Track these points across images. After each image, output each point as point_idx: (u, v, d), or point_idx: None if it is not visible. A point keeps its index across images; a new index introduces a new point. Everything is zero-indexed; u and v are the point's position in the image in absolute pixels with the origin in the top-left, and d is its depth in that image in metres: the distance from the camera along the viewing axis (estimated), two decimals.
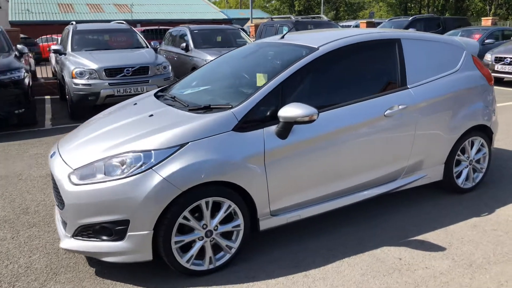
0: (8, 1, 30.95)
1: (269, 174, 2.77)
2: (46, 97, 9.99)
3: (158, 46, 9.16)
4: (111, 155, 2.59)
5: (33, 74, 10.47)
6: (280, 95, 2.86)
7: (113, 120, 3.11)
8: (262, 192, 2.77)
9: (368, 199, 3.32)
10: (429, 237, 3.15)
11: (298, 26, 10.20)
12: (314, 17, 10.97)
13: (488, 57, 10.74)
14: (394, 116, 3.24)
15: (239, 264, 2.83)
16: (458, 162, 3.83)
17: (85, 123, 3.45)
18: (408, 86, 3.39)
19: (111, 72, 7.21)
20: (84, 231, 2.57)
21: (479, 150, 3.93)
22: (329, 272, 2.73)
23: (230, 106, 2.81)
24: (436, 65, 3.60)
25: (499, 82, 10.66)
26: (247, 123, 2.74)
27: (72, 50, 8.06)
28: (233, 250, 2.77)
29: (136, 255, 2.55)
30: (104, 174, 2.53)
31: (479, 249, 2.98)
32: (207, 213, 2.63)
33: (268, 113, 2.81)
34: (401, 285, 2.59)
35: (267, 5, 59.64)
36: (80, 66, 7.21)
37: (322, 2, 37.60)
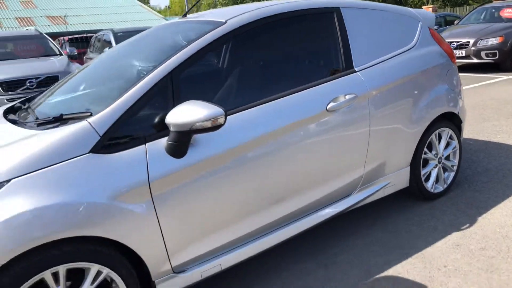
0: None
1: (161, 214, 1.81)
2: None
3: (75, 53, 7.97)
4: None
5: None
6: (171, 91, 1.92)
7: None
8: (153, 242, 1.81)
9: (314, 227, 2.44)
10: (402, 270, 2.32)
11: None
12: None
13: None
14: (340, 110, 2.38)
15: None
16: (426, 162, 3.05)
17: None
18: (356, 69, 2.55)
19: (9, 85, 5.99)
20: None
21: (448, 144, 3.17)
22: None
23: (89, 113, 1.82)
24: (387, 41, 2.78)
25: None
26: (117, 139, 1.77)
27: None
28: None
29: None
30: None
31: (469, 282, 2.17)
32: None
33: (154, 120, 1.86)
34: None
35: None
36: None
37: None
